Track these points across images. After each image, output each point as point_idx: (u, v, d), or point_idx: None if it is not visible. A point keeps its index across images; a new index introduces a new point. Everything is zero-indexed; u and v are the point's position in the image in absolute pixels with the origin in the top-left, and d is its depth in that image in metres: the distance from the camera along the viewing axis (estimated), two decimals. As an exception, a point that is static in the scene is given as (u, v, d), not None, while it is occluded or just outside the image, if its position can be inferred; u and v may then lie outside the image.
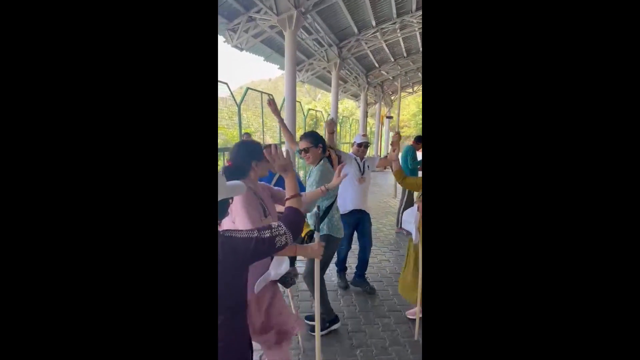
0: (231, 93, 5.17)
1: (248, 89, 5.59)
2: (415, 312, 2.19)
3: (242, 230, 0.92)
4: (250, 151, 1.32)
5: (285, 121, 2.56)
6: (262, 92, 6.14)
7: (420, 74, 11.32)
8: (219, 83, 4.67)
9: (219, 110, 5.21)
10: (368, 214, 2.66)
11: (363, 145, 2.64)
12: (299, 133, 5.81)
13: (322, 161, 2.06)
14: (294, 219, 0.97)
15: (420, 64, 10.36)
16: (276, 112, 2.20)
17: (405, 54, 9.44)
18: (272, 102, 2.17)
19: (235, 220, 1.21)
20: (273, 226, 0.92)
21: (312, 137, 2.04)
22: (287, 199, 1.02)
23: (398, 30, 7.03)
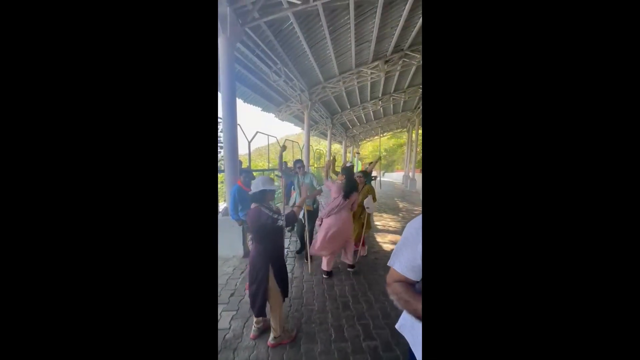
0: (277, 141, 6.22)
1: (286, 139, 6.66)
2: (361, 250, 2.47)
3: (270, 212, 1.20)
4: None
5: (302, 155, 3.10)
6: (293, 141, 7.55)
7: (372, 131, 13.21)
8: (271, 136, 5.74)
9: (271, 150, 6.44)
10: None
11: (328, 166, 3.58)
12: (311, 162, 7.29)
13: (307, 174, 2.38)
14: (291, 216, 1.26)
15: (372, 127, 12.22)
16: (280, 155, 2.38)
17: (365, 121, 11.20)
18: (283, 148, 2.37)
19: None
20: (280, 215, 1.21)
21: (300, 162, 2.41)
22: (296, 206, 1.34)
23: (369, 107, 8.42)
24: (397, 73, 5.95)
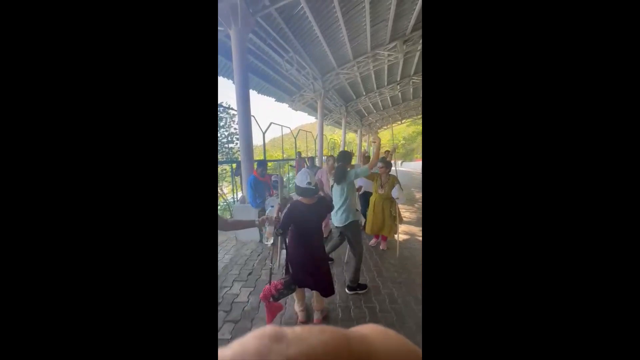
0: (291, 132, 6.30)
1: (300, 130, 6.93)
2: (374, 242, 2.56)
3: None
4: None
5: (315, 144, 3.21)
6: (307, 132, 7.54)
7: (390, 118, 12.56)
8: (284, 126, 5.88)
9: (285, 141, 6.56)
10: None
11: (364, 156, 3.26)
12: (325, 151, 7.27)
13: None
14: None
15: (390, 114, 11.60)
16: (377, 146, 2.01)
17: (382, 108, 10.68)
18: (377, 140, 1.98)
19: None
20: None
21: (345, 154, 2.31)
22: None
23: (386, 93, 8.16)
24: (418, 53, 5.49)
